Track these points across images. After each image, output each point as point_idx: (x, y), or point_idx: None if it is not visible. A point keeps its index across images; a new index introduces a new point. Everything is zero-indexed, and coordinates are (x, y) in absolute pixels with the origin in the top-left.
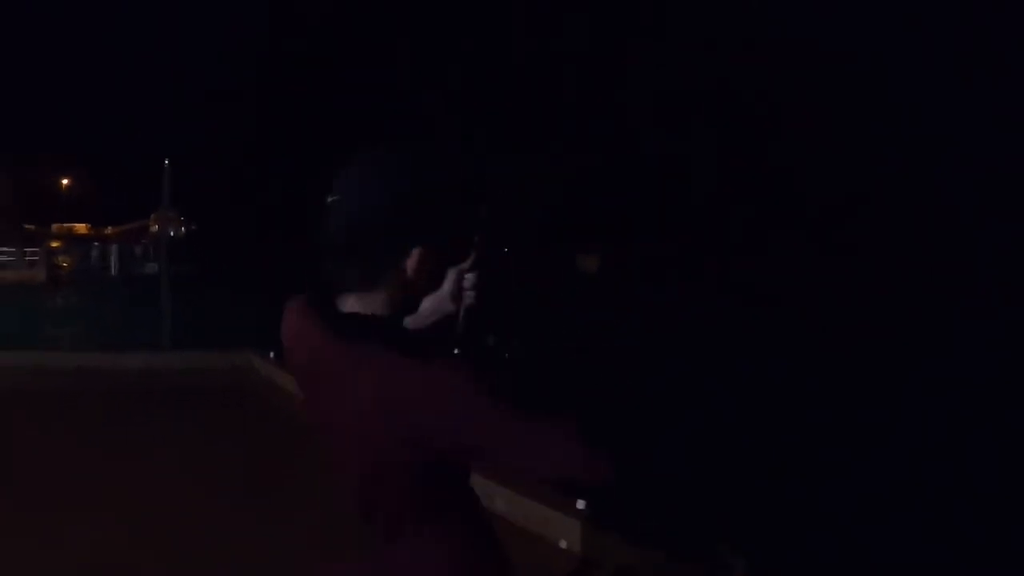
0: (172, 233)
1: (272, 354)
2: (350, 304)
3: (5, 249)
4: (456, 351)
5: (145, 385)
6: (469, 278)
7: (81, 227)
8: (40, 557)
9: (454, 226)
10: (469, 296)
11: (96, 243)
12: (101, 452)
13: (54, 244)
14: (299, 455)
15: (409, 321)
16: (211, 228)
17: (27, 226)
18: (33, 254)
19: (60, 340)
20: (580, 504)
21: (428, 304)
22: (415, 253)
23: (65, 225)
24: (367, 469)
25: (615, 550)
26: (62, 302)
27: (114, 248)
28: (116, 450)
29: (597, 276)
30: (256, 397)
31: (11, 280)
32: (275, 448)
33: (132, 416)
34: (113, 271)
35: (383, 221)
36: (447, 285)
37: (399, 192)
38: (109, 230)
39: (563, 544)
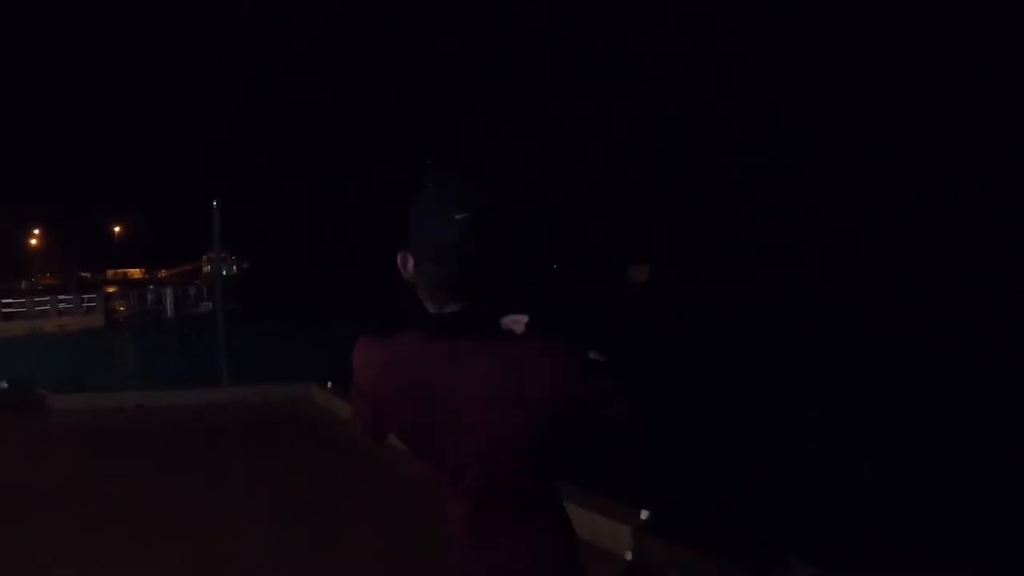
0: (224, 272)
1: (329, 384)
2: (452, 308)
3: (64, 297)
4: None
5: (207, 420)
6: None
7: (135, 272)
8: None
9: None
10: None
11: (151, 287)
12: (174, 482)
13: (110, 290)
14: (361, 480)
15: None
16: (262, 266)
17: (83, 274)
18: (91, 300)
19: (121, 380)
20: (644, 514)
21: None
22: (508, 272)
23: (120, 271)
24: (485, 457)
25: (676, 559)
26: (122, 344)
27: (168, 291)
28: (187, 482)
29: (648, 284)
30: (316, 426)
31: (72, 326)
32: (338, 473)
33: (198, 450)
34: (169, 312)
35: (504, 232)
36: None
37: (494, 214)
38: (163, 273)
39: (628, 556)
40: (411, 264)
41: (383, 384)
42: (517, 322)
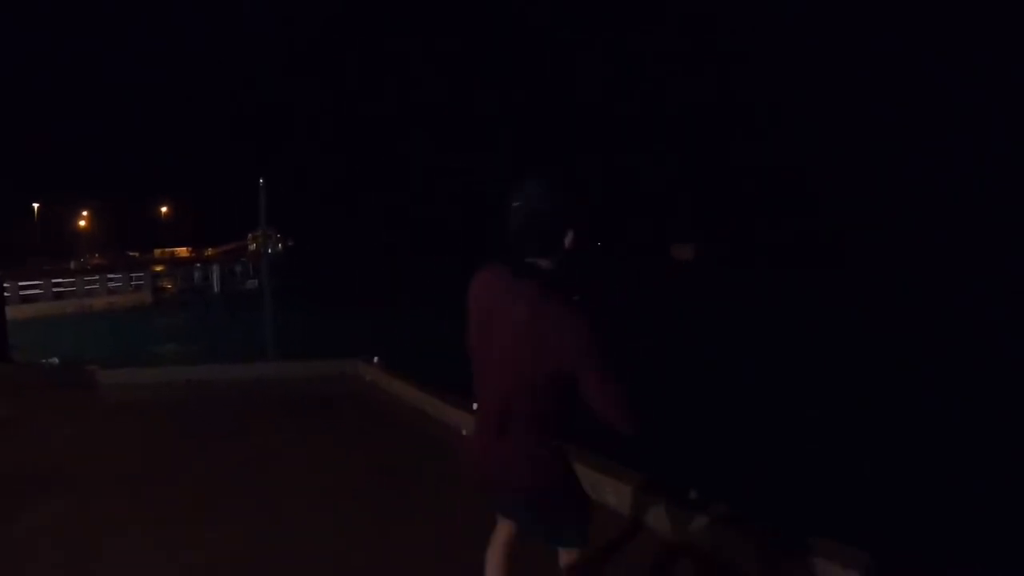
0: (270, 250)
1: (376, 359)
2: (530, 260)
3: (112, 275)
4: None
5: (257, 395)
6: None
7: (182, 250)
8: (199, 542)
9: (589, 218)
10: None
11: (198, 264)
12: (228, 457)
13: (158, 268)
14: (410, 450)
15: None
16: (308, 243)
17: (131, 253)
18: (139, 278)
19: (169, 356)
20: (692, 493)
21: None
22: (570, 234)
23: (167, 249)
24: (512, 375)
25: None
26: (169, 321)
27: (215, 268)
28: (241, 457)
29: (692, 264)
30: (365, 401)
31: (121, 303)
32: (389, 448)
33: (249, 424)
34: (216, 289)
35: (554, 214)
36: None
37: (562, 197)
38: (210, 251)
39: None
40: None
41: (476, 290)
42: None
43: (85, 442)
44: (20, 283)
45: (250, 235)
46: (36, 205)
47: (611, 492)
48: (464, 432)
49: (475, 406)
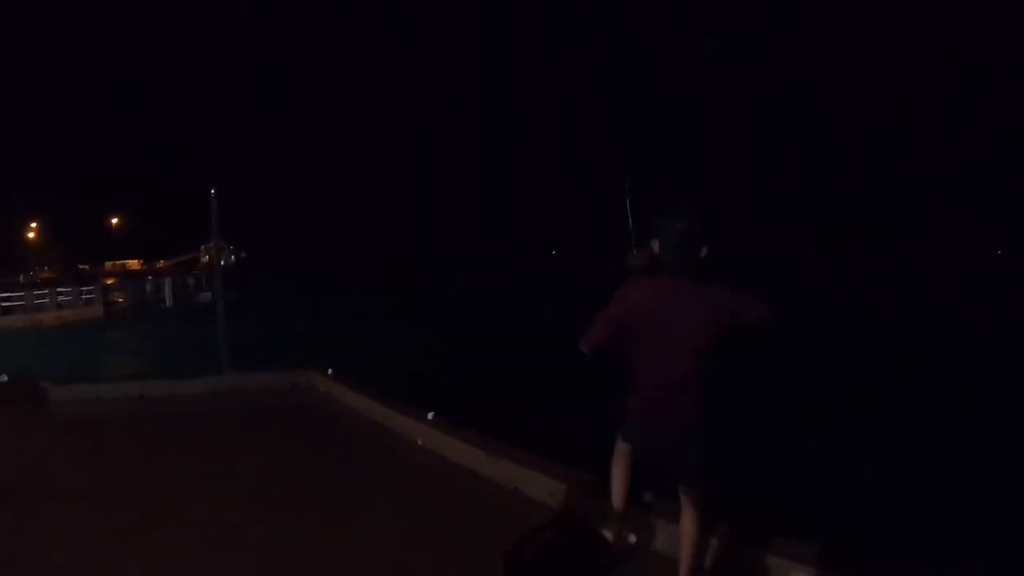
0: (223, 262)
1: (330, 371)
2: (680, 269)
3: (62, 289)
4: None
5: (210, 408)
6: None
7: (134, 263)
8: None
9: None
10: None
11: (149, 277)
12: (179, 470)
13: (109, 281)
14: (363, 459)
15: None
16: (259, 255)
17: (81, 266)
18: (89, 292)
19: (121, 371)
20: (648, 496)
21: None
22: (704, 249)
23: (118, 262)
24: (690, 350)
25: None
26: (121, 335)
27: (167, 281)
28: (192, 470)
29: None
30: (318, 411)
31: (71, 318)
32: (342, 458)
33: (202, 438)
34: (168, 303)
35: (704, 235)
36: None
37: (703, 223)
38: (161, 263)
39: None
40: (657, 247)
41: (642, 297)
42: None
43: (32, 458)
44: None
45: (202, 247)
46: None
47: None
48: (419, 441)
49: (640, 383)
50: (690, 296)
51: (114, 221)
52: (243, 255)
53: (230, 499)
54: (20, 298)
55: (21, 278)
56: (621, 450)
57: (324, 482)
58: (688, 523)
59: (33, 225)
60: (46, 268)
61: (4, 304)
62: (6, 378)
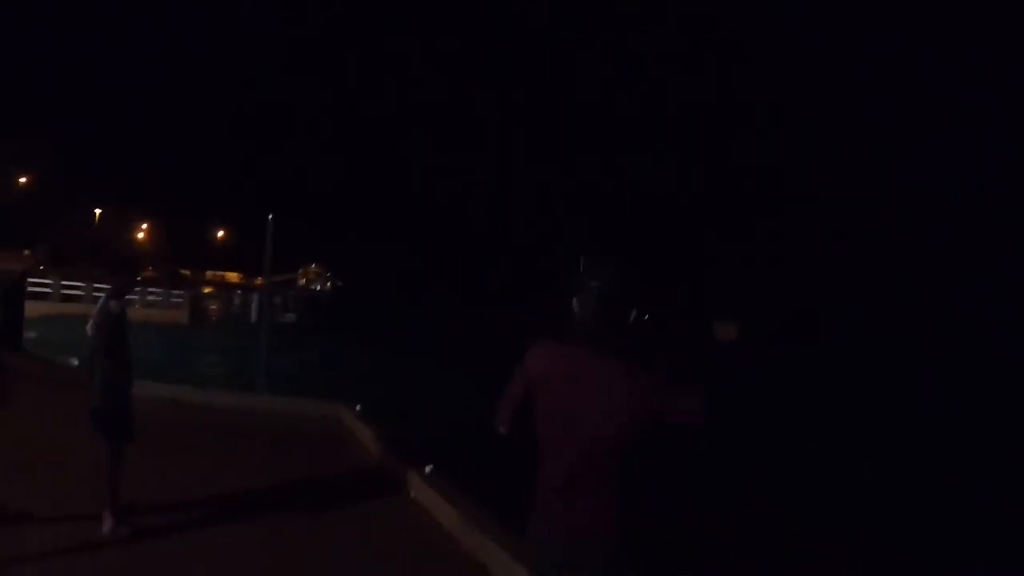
0: (318, 287)
1: (358, 407)
2: (600, 336)
3: (153, 289)
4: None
5: (234, 423)
6: None
7: (233, 275)
8: None
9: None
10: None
11: (238, 291)
12: (171, 472)
13: (207, 290)
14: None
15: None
16: (353, 286)
17: (183, 271)
18: (178, 296)
19: (170, 373)
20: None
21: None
22: (633, 312)
23: (218, 272)
24: (592, 439)
25: None
26: (194, 342)
27: (255, 297)
28: (184, 474)
29: (737, 344)
30: (331, 444)
31: (156, 318)
32: (340, 491)
33: (211, 449)
34: (253, 318)
35: (625, 296)
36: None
37: (626, 282)
38: (259, 280)
39: None
40: (576, 305)
41: (547, 365)
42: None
43: (40, 437)
44: (63, 282)
45: (301, 270)
46: (98, 211)
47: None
48: (412, 494)
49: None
50: (606, 374)
51: (219, 234)
52: (339, 284)
53: (213, 514)
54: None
55: None
56: None
57: (309, 510)
58: None
59: (144, 226)
60: (150, 268)
61: (96, 293)
62: (76, 362)
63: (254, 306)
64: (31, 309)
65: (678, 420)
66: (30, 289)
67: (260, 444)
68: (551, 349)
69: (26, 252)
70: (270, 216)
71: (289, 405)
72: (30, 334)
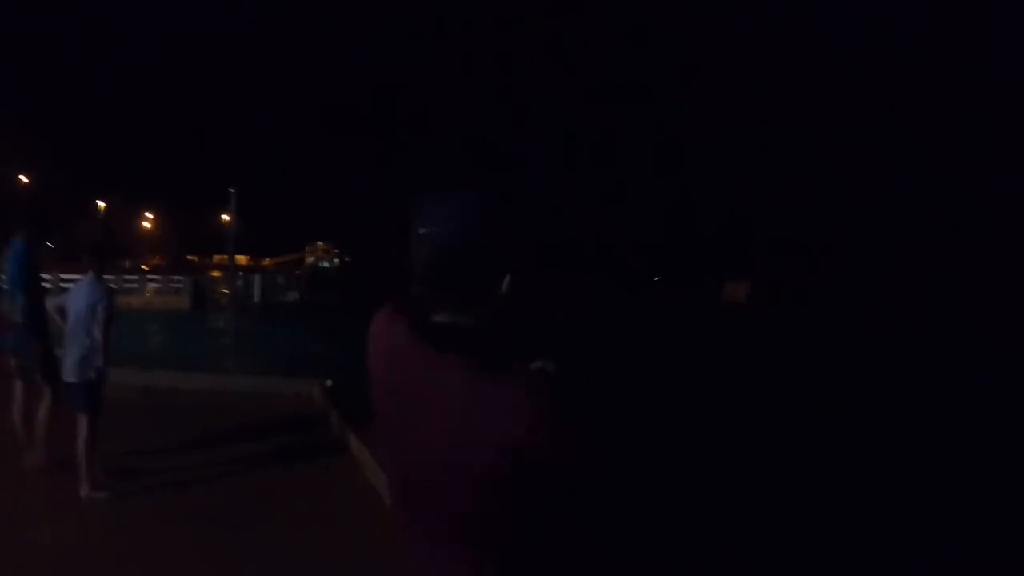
0: (326, 264)
1: (329, 383)
2: (442, 318)
3: (153, 276)
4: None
5: (203, 406)
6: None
7: (241, 258)
8: None
9: (541, 260)
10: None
11: (240, 273)
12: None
13: (215, 274)
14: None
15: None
16: (361, 260)
17: (190, 257)
18: (178, 282)
19: (157, 358)
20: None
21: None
22: (506, 280)
23: (225, 256)
24: (423, 477)
25: None
26: (189, 327)
27: (256, 278)
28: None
29: (746, 304)
30: (296, 422)
31: (157, 305)
32: (289, 474)
33: (178, 434)
34: (256, 299)
35: (478, 251)
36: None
37: (491, 226)
38: (267, 261)
39: None
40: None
41: (378, 364)
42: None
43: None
44: (62, 276)
45: (306, 248)
46: (102, 204)
47: None
48: (387, 502)
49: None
50: (435, 388)
51: (225, 217)
52: (346, 259)
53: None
54: (112, 281)
55: (127, 263)
56: None
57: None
58: None
59: (149, 216)
60: (156, 256)
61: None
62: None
63: (256, 287)
64: None
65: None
66: None
67: (221, 421)
68: (383, 330)
69: None
70: (231, 190)
71: (262, 385)
72: None
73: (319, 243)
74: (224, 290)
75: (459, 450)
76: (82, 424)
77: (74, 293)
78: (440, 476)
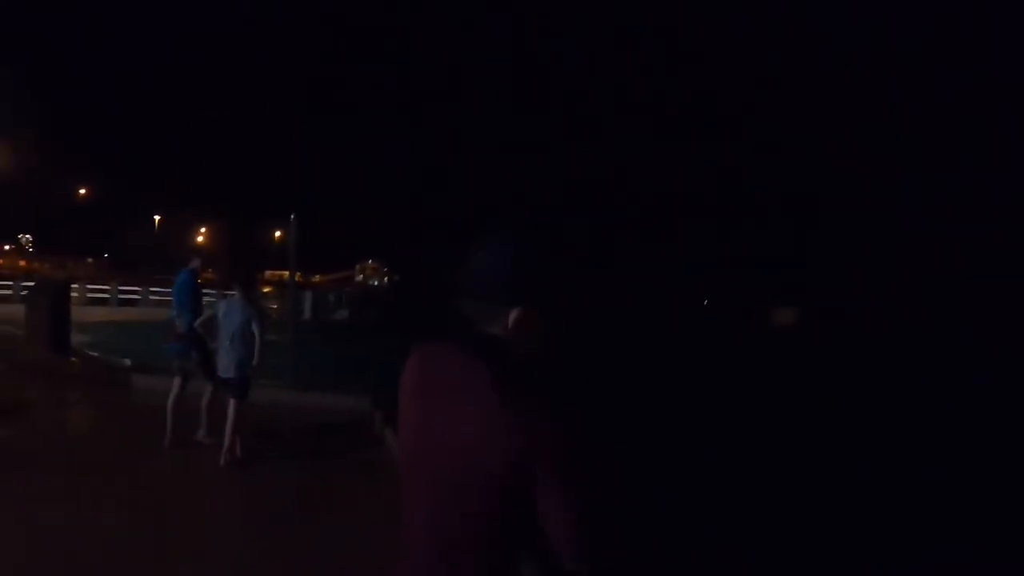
0: (375, 282)
1: (372, 397)
2: (481, 328)
3: (207, 290)
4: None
5: (264, 418)
6: None
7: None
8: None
9: (559, 303)
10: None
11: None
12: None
13: (267, 289)
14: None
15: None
16: (409, 281)
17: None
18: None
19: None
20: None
21: None
22: (516, 311)
23: (276, 272)
24: (452, 487)
25: None
26: None
27: (308, 295)
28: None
29: (795, 329)
30: (344, 438)
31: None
32: (337, 481)
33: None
34: (306, 315)
35: (502, 280)
36: None
37: (520, 263)
38: (318, 278)
39: None
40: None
41: (406, 391)
42: None
43: (72, 428)
44: (120, 287)
45: (358, 266)
46: (157, 217)
47: None
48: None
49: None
50: (470, 401)
51: (277, 234)
52: (396, 279)
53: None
54: (167, 292)
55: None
56: None
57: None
58: None
59: (203, 230)
60: (209, 270)
61: (152, 297)
62: (129, 362)
63: (307, 304)
64: (90, 314)
65: (548, 530)
66: (90, 295)
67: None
68: (425, 357)
69: (89, 260)
70: (292, 216)
71: (315, 400)
72: (83, 337)
73: (369, 262)
74: (273, 305)
75: (474, 452)
76: (231, 410)
77: (227, 311)
78: (456, 472)
